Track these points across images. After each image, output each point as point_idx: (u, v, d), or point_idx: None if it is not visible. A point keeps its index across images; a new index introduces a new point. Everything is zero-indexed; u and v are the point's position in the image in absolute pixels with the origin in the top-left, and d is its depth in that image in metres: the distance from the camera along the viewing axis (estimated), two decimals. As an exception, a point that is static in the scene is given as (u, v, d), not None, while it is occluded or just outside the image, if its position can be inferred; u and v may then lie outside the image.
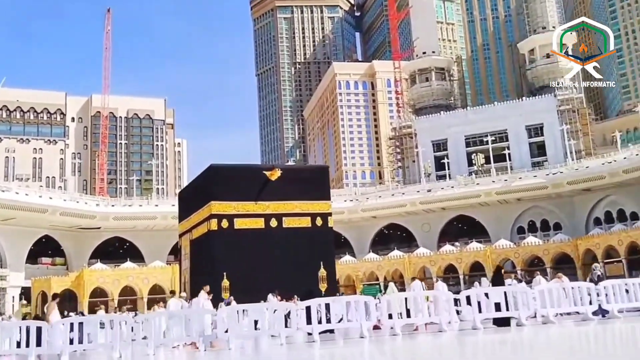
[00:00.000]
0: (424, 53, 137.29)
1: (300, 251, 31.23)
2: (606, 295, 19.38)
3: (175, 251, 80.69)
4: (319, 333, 18.54)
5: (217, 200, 31.72)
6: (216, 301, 24.00)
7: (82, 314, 31.23)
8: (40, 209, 76.00)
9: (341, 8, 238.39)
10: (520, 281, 21.17)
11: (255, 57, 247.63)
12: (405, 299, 19.52)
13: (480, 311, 18.24)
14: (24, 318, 55.25)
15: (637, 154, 75.21)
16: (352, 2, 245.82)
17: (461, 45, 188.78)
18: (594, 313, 19.52)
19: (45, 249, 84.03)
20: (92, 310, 58.17)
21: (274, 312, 18.67)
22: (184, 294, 23.70)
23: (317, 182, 34.23)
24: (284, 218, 32.39)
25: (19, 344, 17.30)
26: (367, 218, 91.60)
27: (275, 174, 32.51)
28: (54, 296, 22.66)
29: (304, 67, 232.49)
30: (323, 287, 30.75)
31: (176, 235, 72.46)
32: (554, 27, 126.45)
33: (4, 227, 75.86)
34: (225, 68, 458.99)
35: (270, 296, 23.14)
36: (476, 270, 73.24)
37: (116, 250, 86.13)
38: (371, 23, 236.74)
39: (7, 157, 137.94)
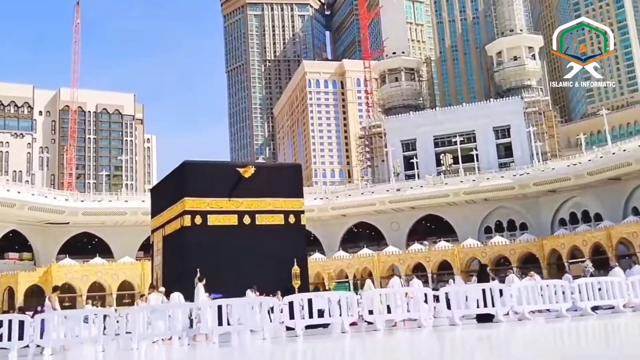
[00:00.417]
0: (394, 53, 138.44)
1: (273, 248, 31.42)
2: (580, 292, 20.23)
3: (145, 247, 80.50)
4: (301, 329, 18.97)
5: (191, 197, 31.70)
6: (190, 297, 24.24)
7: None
8: (8, 203, 74.98)
9: (311, 6, 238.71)
10: (493, 279, 21.85)
11: (225, 54, 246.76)
12: (385, 295, 20.10)
13: (454, 307, 18.91)
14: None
15: (601, 157, 77.09)
16: (323, 1, 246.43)
17: (430, 46, 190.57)
18: (568, 310, 20.30)
19: (13, 243, 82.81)
20: (62, 307, 57.77)
21: (259, 307, 19.04)
22: (162, 289, 23.85)
23: (290, 179, 34.52)
24: (257, 215, 32.56)
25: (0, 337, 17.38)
26: (336, 216, 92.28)
27: (248, 171, 32.64)
28: (55, 288, 22.79)
29: (274, 64, 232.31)
30: (296, 283, 31.09)
31: (146, 231, 72.18)
32: (521, 30, 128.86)
33: (-30, 222, 74.87)
34: (196, 64, 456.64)
35: (248, 291, 23.43)
36: (444, 269, 74.40)
37: (85, 245, 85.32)
38: (341, 22, 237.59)
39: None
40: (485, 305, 19.10)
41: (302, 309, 18.79)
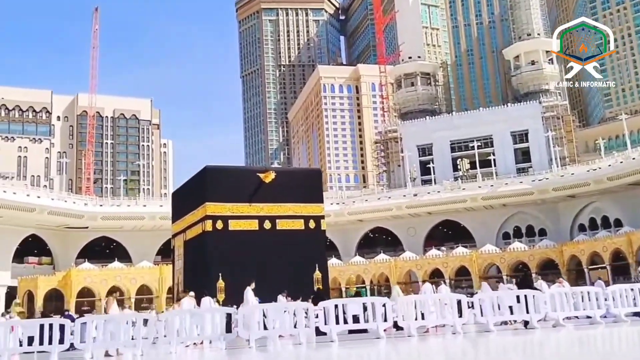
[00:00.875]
0: (410, 58, 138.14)
1: (294, 253, 31.54)
2: (613, 299, 20.04)
3: (163, 252, 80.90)
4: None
5: (212, 202, 31.92)
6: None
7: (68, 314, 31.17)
8: (28, 208, 75.49)
9: (326, 11, 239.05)
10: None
11: (240, 59, 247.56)
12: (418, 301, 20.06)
13: (488, 314, 18.81)
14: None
15: (621, 162, 76.32)
16: (337, 6, 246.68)
17: (445, 50, 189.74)
18: (603, 316, 20.15)
19: (32, 248, 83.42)
20: (80, 310, 58.02)
21: (293, 312, 19.07)
22: (192, 294, 24.01)
23: (310, 185, 34.62)
24: (277, 220, 32.71)
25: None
26: (353, 221, 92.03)
27: (269, 177, 32.81)
28: (111, 291, 23.19)
29: (289, 69, 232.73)
30: (318, 289, 31.10)
31: (164, 235, 72.78)
32: (538, 34, 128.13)
33: (-11, 226, 75.45)
34: (211, 70, 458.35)
35: (280, 297, 23.44)
36: (462, 275, 73.96)
37: (103, 250, 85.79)
38: (356, 27, 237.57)
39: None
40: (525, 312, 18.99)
41: (337, 314, 18.79)
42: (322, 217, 33.80)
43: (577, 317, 20.94)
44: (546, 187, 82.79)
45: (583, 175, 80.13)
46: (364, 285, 76.36)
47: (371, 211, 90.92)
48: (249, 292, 22.83)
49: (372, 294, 67.85)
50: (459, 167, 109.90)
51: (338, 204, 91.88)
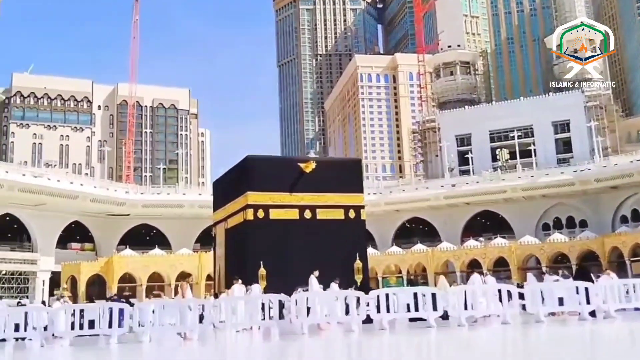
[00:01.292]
0: (449, 47, 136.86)
1: (334, 242, 31.54)
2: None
3: (201, 239, 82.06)
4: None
5: (254, 191, 32.07)
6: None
7: (120, 299, 31.92)
8: (72, 195, 77.23)
9: (363, 0, 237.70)
10: (567, 277, 21.53)
11: (277, 48, 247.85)
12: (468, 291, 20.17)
13: (538, 305, 18.86)
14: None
15: (666, 152, 74.79)
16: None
17: (485, 39, 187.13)
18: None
19: (75, 234, 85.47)
20: (121, 296, 59.18)
21: (344, 299, 19.41)
22: (239, 280, 24.50)
23: (350, 174, 34.54)
24: (317, 210, 32.71)
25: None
26: (389, 211, 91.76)
27: (309, 166, 32.83)
28: (185, 276, 23.94)
29: (325, 59, 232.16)
30: (359, 278, 31.20)
31: (202, 223, 73.74)
32: (582, 22, 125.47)
33: (35, 212, 77.35)
34: (247, 59, 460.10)
35: (333, 284, 23.60)
36: (500, 265, 73.50)
37: (143, 237, 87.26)
38: (393, 16, 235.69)
39: (34, 143, 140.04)
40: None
41: (388, 302, 19.03)
42: (362, 207, 33.76)
43: (624, 309, 20.76)
44: (588, 178, 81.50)
45: (626, 166, 78.69)
46: (400, 274, 76.38)
47: (408, 201, 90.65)
48: (313, 280, 23.19)
49: (410, 284, 67.81)
50: (498, 157, 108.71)
51: (375, 194, 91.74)
